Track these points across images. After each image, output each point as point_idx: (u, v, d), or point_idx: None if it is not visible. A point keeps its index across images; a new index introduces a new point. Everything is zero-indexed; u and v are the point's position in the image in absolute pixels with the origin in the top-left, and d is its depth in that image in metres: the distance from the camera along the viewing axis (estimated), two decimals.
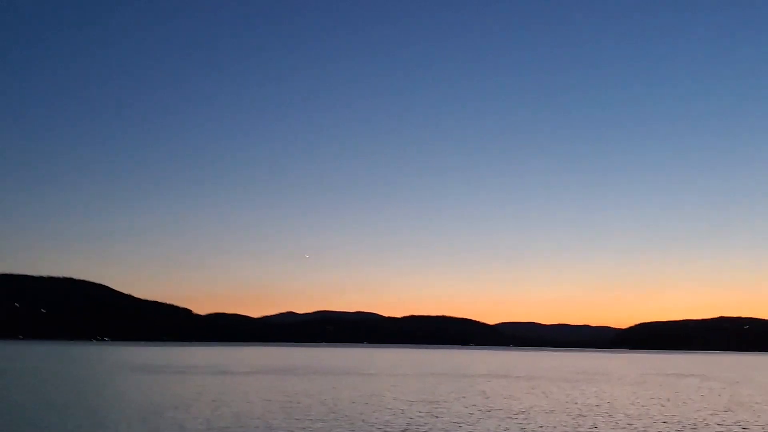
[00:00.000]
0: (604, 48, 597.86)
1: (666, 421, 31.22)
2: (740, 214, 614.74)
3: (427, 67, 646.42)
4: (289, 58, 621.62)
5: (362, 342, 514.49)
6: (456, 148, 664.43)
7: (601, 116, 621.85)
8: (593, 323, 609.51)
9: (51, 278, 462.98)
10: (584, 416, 32.30)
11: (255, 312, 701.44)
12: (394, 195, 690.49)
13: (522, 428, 27.95)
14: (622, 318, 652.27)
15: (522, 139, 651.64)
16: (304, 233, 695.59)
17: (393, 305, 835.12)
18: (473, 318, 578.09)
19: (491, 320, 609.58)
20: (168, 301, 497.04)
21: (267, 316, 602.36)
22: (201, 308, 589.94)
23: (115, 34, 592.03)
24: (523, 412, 33.47)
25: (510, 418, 31.39)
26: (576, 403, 39.06)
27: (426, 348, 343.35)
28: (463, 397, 40.73)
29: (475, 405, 36.44)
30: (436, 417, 30.69)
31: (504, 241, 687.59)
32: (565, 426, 28.86)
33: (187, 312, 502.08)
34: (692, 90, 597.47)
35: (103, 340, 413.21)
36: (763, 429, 29.58)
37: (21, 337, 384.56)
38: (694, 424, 30.22)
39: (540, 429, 27.87)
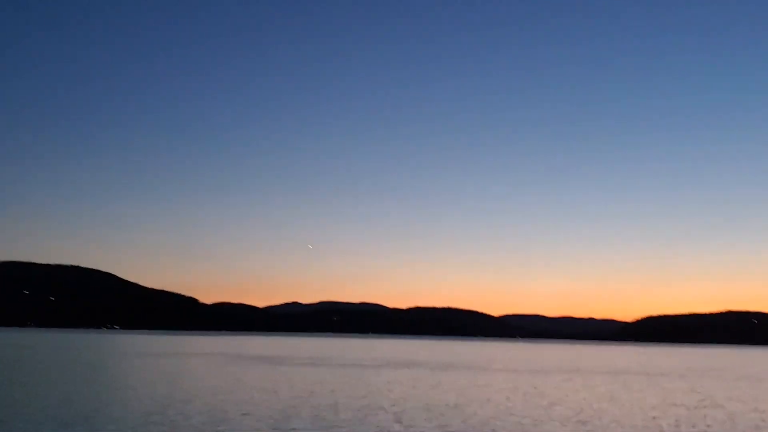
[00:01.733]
0: (615, 40, 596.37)
1: None
2: (749, 207, 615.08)
3: (432, 60, 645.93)
4: (296, 51, 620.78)
5: (367, 333, 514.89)
6: (461, 139, 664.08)
7: (609, 109, 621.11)
8: (598, 316, 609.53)
9: (58, 266, 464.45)
10: None
11: (260, 302, 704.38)
12: (399, 186, 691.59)
13: None
14: (628, 311, 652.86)
15: (529, 131, 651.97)
16: (308, 223, 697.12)
17: (398, 296, 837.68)
18: (478, 310, 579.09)
19: (496, 312, 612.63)
20: (174, 290, 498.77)
21: (272, 306, 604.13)
22: (207, 297, 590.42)
23: (128, 23, 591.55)
24: None
25: None
26: None
27: (435, 340, 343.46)
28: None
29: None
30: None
31: (509, 232, 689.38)
32: None
33: (193, 301, 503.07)
34: (701, 83, 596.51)
35: (113, 328, 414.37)
36: None
37: (30, 324, 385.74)
38: None
39: None
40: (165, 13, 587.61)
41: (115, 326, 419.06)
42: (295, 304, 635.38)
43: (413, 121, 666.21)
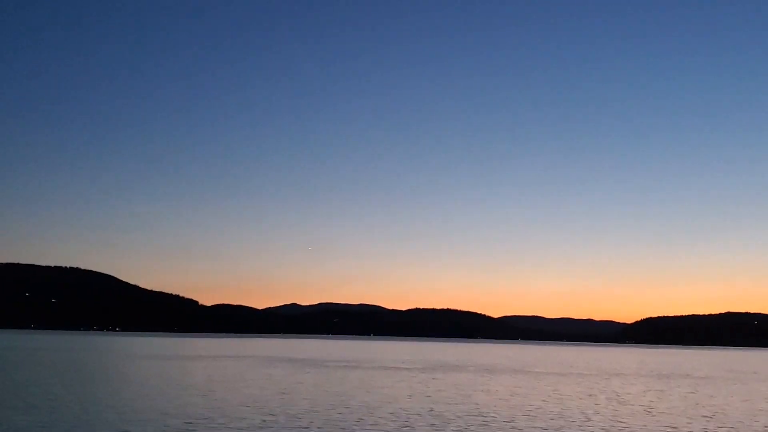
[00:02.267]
0: (610, 40, 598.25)
1: None
2: (749, 209, 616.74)
3: (429, 63, 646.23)
4: (294, 54, 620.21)
5: (368, 334, 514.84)
6: (460, 142, 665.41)
7: (608, 110, 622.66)
8: (597, 317, 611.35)
9: (58, 268, 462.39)
10: None
11: (259, 303, 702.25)
12: (398, 188, 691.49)
13: None
14: (627, 313, 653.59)
15: (527, 133, 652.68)
16: (308, 225, 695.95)
17: (397, 298, 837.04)
18: (478, 311, 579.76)
19: (495, 313, 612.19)
20: (174, 292, 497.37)
21: (271, 308, 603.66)
22: (206, 299, 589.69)
23: (129, 25, 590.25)
24: None
25: None
26: None
27: (438, 341, 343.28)
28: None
29: None
30: None
31: (509, 234, 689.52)
32: None
33: (192, 303, 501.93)
34: (700, 84, 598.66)
35: (114, 330, 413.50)
36: None
37: (33, 326, 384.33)
38: None
39: None
40: (164, 15, 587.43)
41: (116, 328, 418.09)
42: (294, 305, 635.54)
43: (413, 125, 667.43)
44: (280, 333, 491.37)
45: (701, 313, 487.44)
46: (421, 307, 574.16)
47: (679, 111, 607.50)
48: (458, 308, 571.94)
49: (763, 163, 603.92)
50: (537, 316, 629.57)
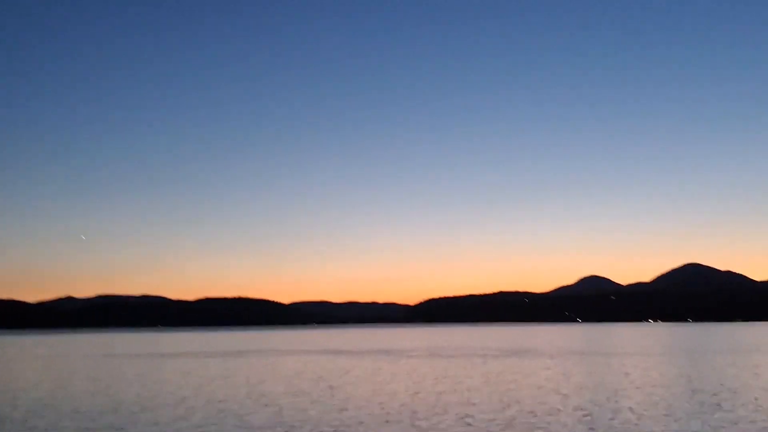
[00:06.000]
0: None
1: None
2: (517, 196, 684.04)
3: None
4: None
5: (155, 326, 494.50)
6: (245, 134, 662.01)
7: (397, 100, 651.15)
8: (381, 300, 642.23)
9: None
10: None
11: (30, 297, 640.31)
12: (179, 172, 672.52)
13: None
14: (410, 295, 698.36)
15: (305, 125, 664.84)
16: (81, 212, 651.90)
17: (183, 288, 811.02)
18: (268, 298, 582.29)
19: (286, 300, 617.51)
20: None
21: (43, 302, 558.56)
22: None
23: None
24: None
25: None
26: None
27: (231, 330, 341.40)
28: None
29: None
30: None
31: (294, 221, 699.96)
32: None
33: None
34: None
35: None
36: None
37: None
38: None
39: None
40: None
41: None
42: (69, 298, 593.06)
43: (202, 117, 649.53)
44: (54, 328, 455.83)
45: (478, 293, 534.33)
46: (211, 296, 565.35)
47: (440, 103, 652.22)
48: (249, 296, 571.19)
49: (529, 151, 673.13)
50: (325, 302, 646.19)
